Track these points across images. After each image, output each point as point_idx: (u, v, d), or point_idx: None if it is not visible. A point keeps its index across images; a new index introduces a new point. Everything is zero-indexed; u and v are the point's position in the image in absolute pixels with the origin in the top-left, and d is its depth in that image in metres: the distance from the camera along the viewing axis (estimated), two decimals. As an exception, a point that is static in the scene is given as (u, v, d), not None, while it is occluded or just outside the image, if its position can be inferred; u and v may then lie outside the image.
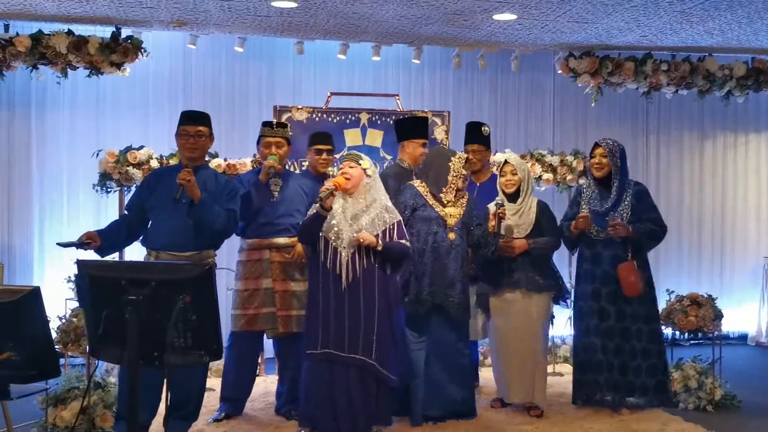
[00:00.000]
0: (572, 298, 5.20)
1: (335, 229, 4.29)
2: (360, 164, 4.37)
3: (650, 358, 4.88)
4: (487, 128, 5.45)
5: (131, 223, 4.39)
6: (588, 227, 4.85)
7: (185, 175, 4.11)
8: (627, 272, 4.76)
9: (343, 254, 4.27)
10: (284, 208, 4.76)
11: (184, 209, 4.14)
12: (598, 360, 4.89)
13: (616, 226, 4.73)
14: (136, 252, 4.80)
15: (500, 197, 4.80)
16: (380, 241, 4.28)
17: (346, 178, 4.30)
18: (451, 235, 4.61)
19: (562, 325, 6.41)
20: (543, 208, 4.96)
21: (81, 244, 4.09)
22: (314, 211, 4.26)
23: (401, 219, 4.46)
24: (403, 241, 4.39)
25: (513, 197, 4.92)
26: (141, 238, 4.41)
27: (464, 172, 4.71)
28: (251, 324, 4.69)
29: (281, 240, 4.74)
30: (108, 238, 4.23)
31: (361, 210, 4.36)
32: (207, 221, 4.23)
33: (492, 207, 4.72)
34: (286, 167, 5.08)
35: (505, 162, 4.95)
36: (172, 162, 5.80)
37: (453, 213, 4.66)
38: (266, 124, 4.89)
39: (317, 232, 4.29)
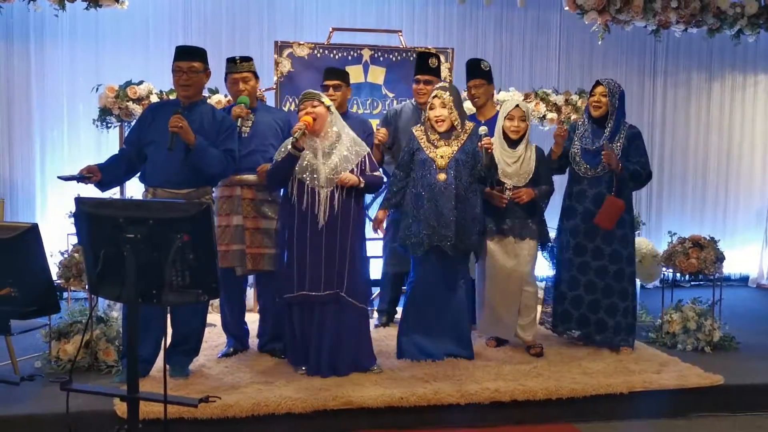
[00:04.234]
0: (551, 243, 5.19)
1: (310, 169, 4.25)
2: (323, 102, 4.32)
3: (626, 299, 4.94)
4: (486, 63, 5.33)
5: (130, 158, 4.33)
6: (562, 138, 4.88)
7: (176, 121, 4.02)
8: (611, 205, 4.79)
9: (321, 193, 4.25)
10: (255, 144, 4.67)
11: (181, 147, 4.09)
12: (571, 294, 5.01)
13: (610, 155, 4.74)
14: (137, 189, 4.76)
15: (483, 128, 4.69)
16: (361, 179, 4.30)
17: (313, 118, 4.24)
18: (441, 176, 4.56)
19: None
20: (540, 156, 4.91)
21: (82, 177, 4.07)
22: (285, 153, 4.23)
23: (369, 151, 4.49)
24: (376, 173, 4.46)
25: (513, 143, 4.85)
26: (139, 174, 4.37)
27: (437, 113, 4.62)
28: (222, 260, 4.63)
29: (251, 177, 4.64)
30: (108, 173, 4.20)
31: (331, 146, 4.32)
32: (203, 166, 4.19)
33: (481, 134, 4.67)
34: (258, 101, 4.99)
35: (516, 106, 4.83)
36: (172, 98, 5.74)
37: (444, 153, 4.60)
38: (230, 60, 4.78)
39: (290, 174, 4.26)
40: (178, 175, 4.19)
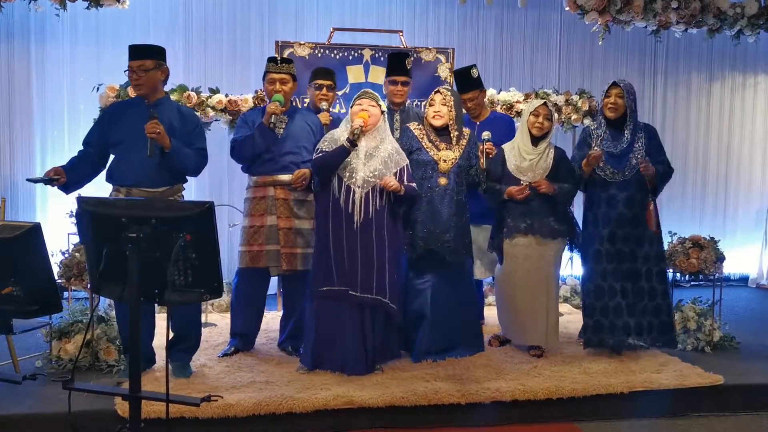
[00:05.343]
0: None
1: (350, 166, 4.29)
2: (380, 105, 4.39)
3: (656, 298, 4.88)
4: (475, 70, 5.31)
5: (92, 159, 4.31)
6: (599, 164, 4.79)
7: (153, 127, 4.03)
8: (652, 209, 4.80)
9: (357, 193, 4.27)
10: (289, 145, 4.69)
11: (158, 150, 4.09)
12: (614, 304, 4.84)
13: (648, 166, 4.72)
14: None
15: (486, 133, 4.69)
16: (402, 186, 4.31)
17: (369, 115, 4.29)
18: (443, 180, 4.58)
19: (563, 265, 6.42)
20: (562, 156, 4.87)
21: (50, 180, 4.08)
22: (338, 145, 4.27)
23: (408, 162, 4.48)
24: (413, 184, 4.45)
25: (535, 141, 4.82)
26: (106, 174, 4.34)
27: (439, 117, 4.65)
28: (255, 261, 4.69)
29: (286, 177, 4.67)
30: (72, 174, 4.19)
31: (373, 149, 4.36)
32: (179, 167, 4.25)
33: (484, 138, 4.65)
34: (292, 103, 5.00)
35: (544, 104, 4.83)
36: (173, 97, 5.74)
37: (447, 157, 4.61)
38: (271, 60, 4.78)
39: (338, 166, 4.29)
40: (152, 174, 4.20)
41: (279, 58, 4.78)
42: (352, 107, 4.39)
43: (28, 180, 4.17)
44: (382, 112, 4.40)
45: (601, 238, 4.86)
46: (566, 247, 4.96)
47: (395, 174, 4.36)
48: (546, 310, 4.83)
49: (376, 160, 4.34)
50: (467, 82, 5.28)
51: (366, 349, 4.39)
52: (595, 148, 4.83)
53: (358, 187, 4.28)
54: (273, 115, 4.57)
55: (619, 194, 4.83)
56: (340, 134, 4.34)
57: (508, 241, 4.81)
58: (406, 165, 4.44)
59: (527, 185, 4.71)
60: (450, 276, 4.69)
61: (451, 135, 4.66)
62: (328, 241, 4.33)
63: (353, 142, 4.23)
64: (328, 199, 4.34)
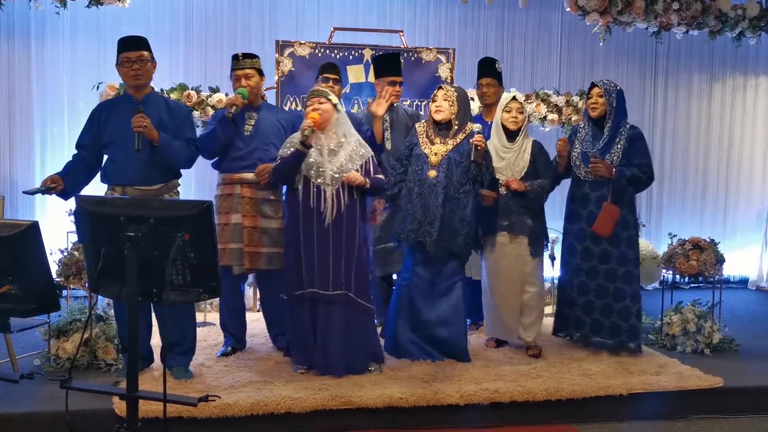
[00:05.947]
0: (550, 244, 5.18)
1: (315, 166, 4.26)
2: (330, 99, 4.35)
3: (639, 301, 4.88)
4: (500, 65, 5.44)
5: (87, 161, 4.28)
6: (564, 151, 4.86)
7: (140, 120, 3.99)
8: (608, 212, 4.74)
9: (327, 191, 4.25)
10: (257, 143, 4.65)
11: (146, 145, 4.06)
12: (583, 300, 4.90)
13: (597, 165, 4.69)
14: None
15: (477, 126, 4.68)
16: (367, 179, 4.31)
17: (319, 114, 4.26)
18: (432, 173, 4.60)
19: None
20: (539, 150, 4.89)
21: (47, 189, 4.05)
22: (293, 149, 4.23)
23: (373, 153, 4.49)
24: (379, 176, 4.47)
25: (511, 136, 4.85)
26: (101, 174, 4.31)
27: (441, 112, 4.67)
28: (220, 259, 4.64)
29: (251, 175, 4.62)
30: (69, 180, 4.16)
31: (336, 145, 4.34)
32: (170, 161, 4.22)
33: (474, 130, 4.66)
34: (263, 99, 4.96)
35: (513, 98, 4.85)
36: (173, 96, 5.74)
37: (438, 150, 4.63)
38: (234, 57, 4.73)
39: (296, 170, 4.27)
40: (146, 172, 4.18)
41: (240, 54, 4.72)
42: (304, 109, 4.37)
43: (24, 192, 4.12)
44: (334, 105, 4.36)
45: (572, 234, 4.96)
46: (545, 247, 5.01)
47: (361, 167, 4.35)
48: (519, 307, 4.89)
49: (341, 155, 4.32)
50: (489, 70, 5.42)
51: (347, 348, 4.36)
52: (576, 148, 4.90)
53: (328, 185, 4.26)
54: (234, 107, 4.50)
55: (592, 193, 4.85)
56: (298, 138, 4.30)
57: (489, 239, 4.85)
58: (371, 156, 4.44)
59: (493, 194, 4.75)
60: (437, 274, 4.68)
61: (453, 131, 4.67)
62: (299, 242, 4.31)
63: (305, 144, 4.19)
64: (297, 200, 4.31)
